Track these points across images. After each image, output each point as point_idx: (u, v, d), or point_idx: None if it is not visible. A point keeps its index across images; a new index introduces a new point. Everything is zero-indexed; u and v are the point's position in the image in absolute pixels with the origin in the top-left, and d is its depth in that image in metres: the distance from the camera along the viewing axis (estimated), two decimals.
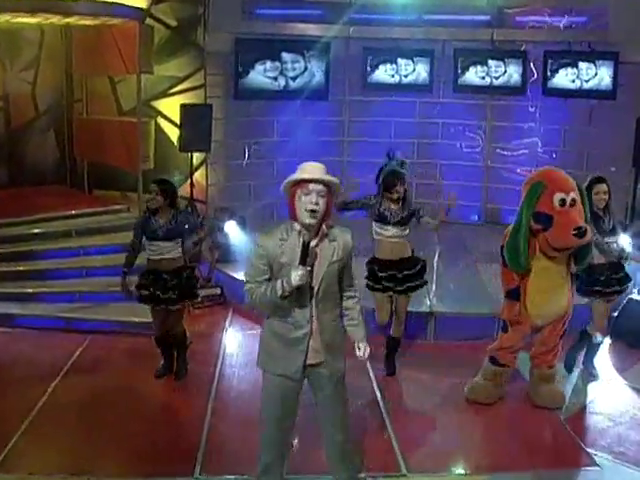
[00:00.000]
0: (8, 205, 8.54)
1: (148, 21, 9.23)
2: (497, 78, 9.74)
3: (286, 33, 9.62)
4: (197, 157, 9.40)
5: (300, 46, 9.60)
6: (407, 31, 9.77)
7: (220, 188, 9.68)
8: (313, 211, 3.41)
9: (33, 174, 10.00)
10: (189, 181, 8.90)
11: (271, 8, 9.65)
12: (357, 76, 10.03)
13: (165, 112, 9.73)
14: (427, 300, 7.07)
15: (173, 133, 9.48)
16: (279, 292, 3.42)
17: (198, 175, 9.49)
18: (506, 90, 9.77)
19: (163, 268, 5.55)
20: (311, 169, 3.48)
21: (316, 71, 9.71)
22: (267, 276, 3.55)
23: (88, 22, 8.51)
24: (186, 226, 5.58)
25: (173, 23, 9.57)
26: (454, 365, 6.14)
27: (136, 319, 6.35)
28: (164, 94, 9.76)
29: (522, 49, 9.66)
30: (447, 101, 10.06)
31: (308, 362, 3.61)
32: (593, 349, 6.04)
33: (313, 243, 3.48)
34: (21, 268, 7.36)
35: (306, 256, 3.40)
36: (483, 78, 9.77)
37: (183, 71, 9.65)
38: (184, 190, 9.41)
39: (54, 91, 10.23)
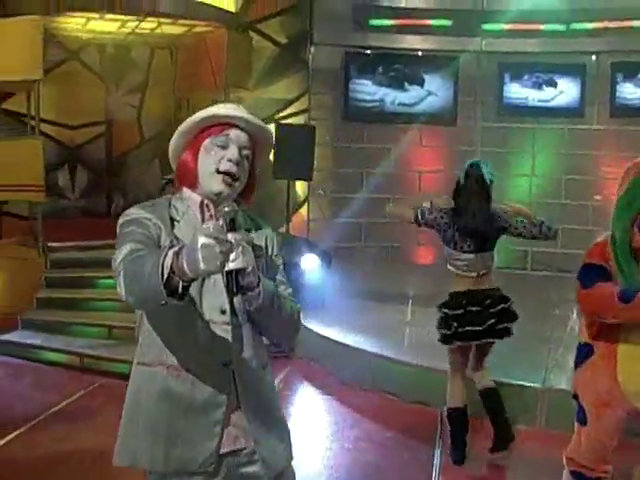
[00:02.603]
0: (89, 232, 7.87)
1: (257, 39, 8.65)
2: None
3: (403, 47, 8.60)
4: (303, 189, 8.65)
5: (422, 61, 8.54)
6: (552, 42, 8.44)
7: (324, 225, 8.69)
8: (229, 174, 2.03)
9: (134, 204, 9.45)
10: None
11: (386, 18, 8.61)
12: (491, 98, 8.81)
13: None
14: (542, 371, 5.34)
15: None
16: (165, 271, 1.74)
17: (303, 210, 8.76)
18: None
19: None
20: (231, 107, 2.13)
21: (441, 91, 8.54)
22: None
23: (170, 28, 7.82)
24: None
25: (283, 40, 8.89)
26: None
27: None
28: (271, 119, 8.92)
29: None
30: (603, 128, 8.52)
31: (225, 449, 2.04)
32: None
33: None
34: (63, 295, 6.60)
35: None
36: None
37: (292, 92, 8.97)
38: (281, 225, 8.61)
39: (161, 117, 9.79)
